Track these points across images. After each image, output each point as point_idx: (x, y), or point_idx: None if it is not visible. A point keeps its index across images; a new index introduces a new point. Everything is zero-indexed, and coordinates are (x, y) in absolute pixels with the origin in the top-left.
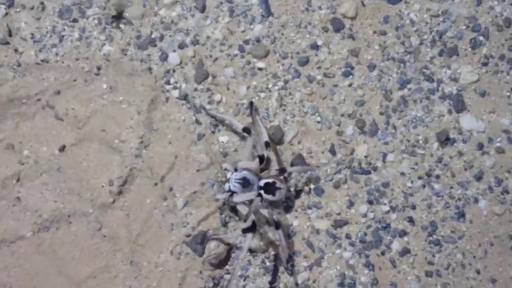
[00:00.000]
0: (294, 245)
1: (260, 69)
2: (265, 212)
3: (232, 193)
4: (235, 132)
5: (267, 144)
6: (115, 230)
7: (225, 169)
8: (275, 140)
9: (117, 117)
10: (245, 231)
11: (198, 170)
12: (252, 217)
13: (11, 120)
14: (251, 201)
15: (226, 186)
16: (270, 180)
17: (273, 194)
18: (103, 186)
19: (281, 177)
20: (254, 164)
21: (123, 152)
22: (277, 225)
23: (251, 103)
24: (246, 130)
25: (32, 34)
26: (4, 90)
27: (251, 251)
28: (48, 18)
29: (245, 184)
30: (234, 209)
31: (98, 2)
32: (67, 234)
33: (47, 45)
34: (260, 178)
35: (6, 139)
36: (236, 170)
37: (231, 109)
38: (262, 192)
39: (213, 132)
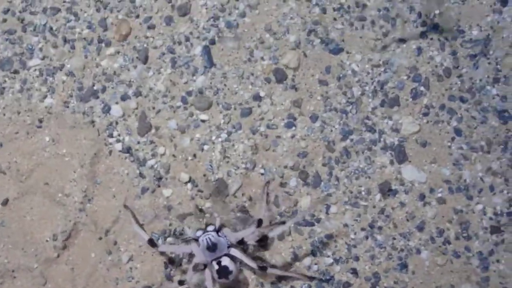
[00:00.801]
0: None
1: (203, 121)
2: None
3: (196, 240)
4: None
5: (259, 222)
6: (60, 285)
7: (211, 224)
8: (219, 194)
9: (60, 170)
10: None
11: (142, 224)
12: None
13: None
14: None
15: (198, 233)
16: (230, 266)
17: (219, 277)
18: (47, 241)
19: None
20: (235, 237)
21: (67, 206)
22: None
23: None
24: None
25: None
26: None
27: None
28: None
29: (211, 248)
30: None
31: (40, 54)
32: None
33: None
34: (228, 254)
35: None
36: (218, 231)
37: (175, 162)
38: (215, 268)
39: (158, 186)
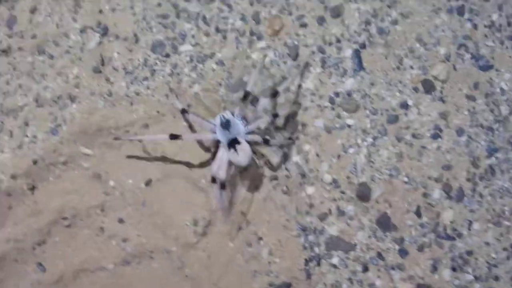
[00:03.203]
0: None
1: (349, 126)
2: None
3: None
4: None
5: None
6: (196, 271)
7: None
8: (361, 197)
9: (202, 156)
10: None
11: (287, 220)
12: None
13: (98, 149)
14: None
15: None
16: (240, 140)
17: (229, 148)
18: (187, 225)
19: (260, 143)
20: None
21: (209, 193)
22: (223, 186)
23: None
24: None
25: (124, 65)
26: (94, 119)
27: None
28: (140, 51)
29: (225, 125)
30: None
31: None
32: (148, 270)
33: (139, 77)
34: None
35: (92, 168)
36: (233, 114)
37: (324, 163)
38: (226, 144)
39: (300, 184)
